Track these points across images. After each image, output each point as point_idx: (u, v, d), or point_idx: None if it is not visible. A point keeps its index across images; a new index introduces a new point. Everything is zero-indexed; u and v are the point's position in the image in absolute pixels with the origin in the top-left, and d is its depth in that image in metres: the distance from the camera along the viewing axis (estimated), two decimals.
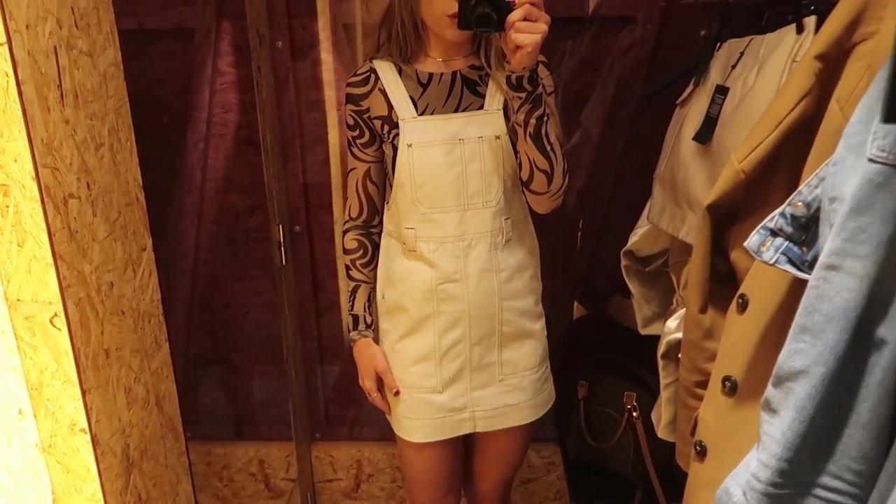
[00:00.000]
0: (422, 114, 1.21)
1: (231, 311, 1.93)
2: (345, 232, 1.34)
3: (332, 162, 1.80)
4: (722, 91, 1.09)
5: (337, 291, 1.90)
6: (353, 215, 1.33)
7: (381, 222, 1.34)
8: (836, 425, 0.63)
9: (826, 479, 0.64)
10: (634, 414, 1.55)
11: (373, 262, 1.34)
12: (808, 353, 0.62)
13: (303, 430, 1.93)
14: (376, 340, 1.34)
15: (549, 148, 1.15)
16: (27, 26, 0.79)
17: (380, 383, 1.33)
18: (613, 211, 1.75)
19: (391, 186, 1.26)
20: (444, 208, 1.21)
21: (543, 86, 1.12)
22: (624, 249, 1.40)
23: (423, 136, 1.20)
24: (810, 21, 0.93)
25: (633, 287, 1.42)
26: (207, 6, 1.70)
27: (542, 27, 1.01)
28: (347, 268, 1.34)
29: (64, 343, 0.76)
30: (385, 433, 1.68)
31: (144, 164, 1.11)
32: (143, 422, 1.01)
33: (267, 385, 1.99)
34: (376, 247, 1.34)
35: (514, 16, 1.01)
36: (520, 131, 1.14)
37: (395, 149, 1.23)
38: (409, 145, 1.21)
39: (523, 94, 1.09)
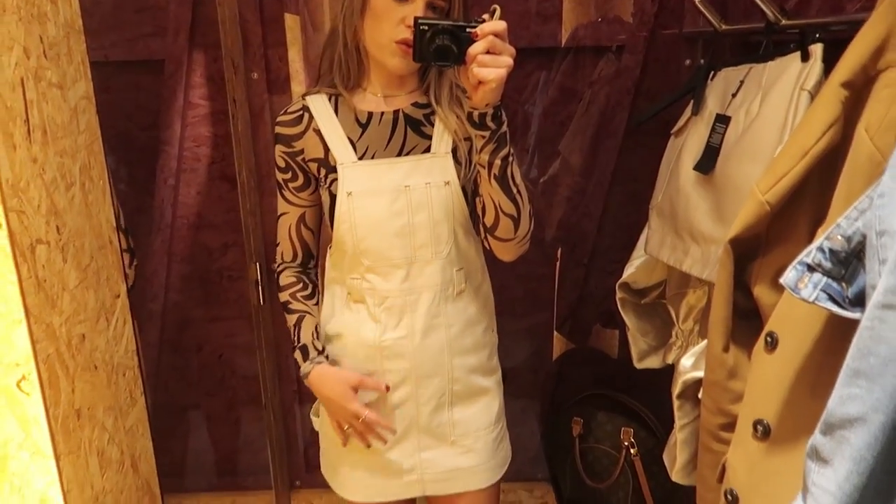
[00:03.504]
0: (362, 157, 1.10)
1: (204, 354, 1.83)
2: (279, 273, 1.21)
3: None
4: (723, 120, 1.07)
5: None
6: (287, 259, 1.20)
7: (316, 265, 1.22)
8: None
9: None
10: (632, 451, 1.50)
11: (314, 297, 1.20)
12: (864, 399, 0.58)
13: (282, 478, 1.83)
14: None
15: (515, 190, 1.03)
16: None
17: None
18: (601, 242, 1.71)
19: (330, 234, 1.15)
20: (389, 261, 1.10)
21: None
22: (619, 282, 1.36)
23: (364, 184, 1.08)
24: (817, 48, 0.92)
25: (629, 320, 1.38)
26: (178, 37, 1.63)
27: (507, 60, 0.90)
28: (287, 303, 1.18)
29: (32, 410, 0.67)
30: None
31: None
32: (118, 487, 0.92)
33: (243, 431, 1.88)
34: (315, 284, 1.22)
35: (477, 48, 0.90)
36: (483, 173, 1.02)
37: (332, 196, 1.10)
38: (349, 193, 1.08)
39: (487, 133, 0.98)
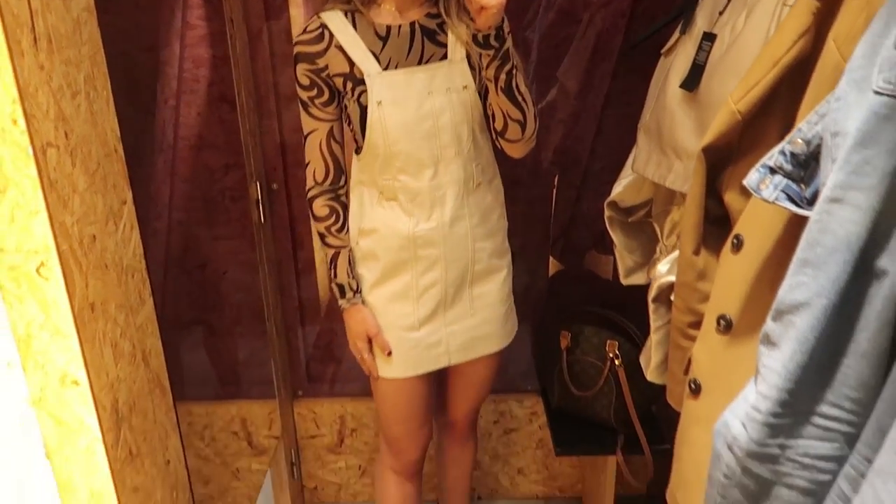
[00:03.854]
0: (386, 68, 1.19)
1: (208, 271, 1.90)
2: (312, 198, 1.31)
3: None
4: (709, 38, 1.09)
5: (315, 249, 1.88)
6: (319, 179, 1.29)
7: (346, 181, 1.32)
8: (836, 355, 0.65)
9: (825, 408, 0.66)
10: (616, 362, 1.58)
11: (346, 225, 1.33)
12: (809, 286, 0.64)
13: (285, 388, 1.93)
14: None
15: (520, 98, 1.18)
16: None
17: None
18: (593, 165, 1.75)
19: (357, 141, 1.24)
20: (418, 161, 1.21)
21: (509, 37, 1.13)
22: (608, 200, 1.40)
23: (391, 92, 1.19)
24: None
25: (616, 238, 1.43)
26: None
27: None
28: (322, 235, 1.33)
29: (52, 293, 0.74)
30: (367, 388, 1.69)
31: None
32: (131, 377, 0.99)
33: (247, 345, 1.97)
34: (346, 208, 1.33)
35: None
36: (491, 87, 1.16)
37: (362, 106, 1.20)
38: (379, 102, 1.19)
39: (491, 52, 1.10)
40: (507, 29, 1.12)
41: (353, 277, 1.33)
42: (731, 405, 0.73)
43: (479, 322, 1.37)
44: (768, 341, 0.68)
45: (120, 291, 0.97)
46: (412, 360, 1.35)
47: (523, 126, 1.21)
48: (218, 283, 1.91)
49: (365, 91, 1.19)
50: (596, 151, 1.73)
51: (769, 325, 0.68)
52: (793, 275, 0.65)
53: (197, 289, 1.92)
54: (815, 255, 0.63)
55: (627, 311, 1.66)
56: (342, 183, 1.31)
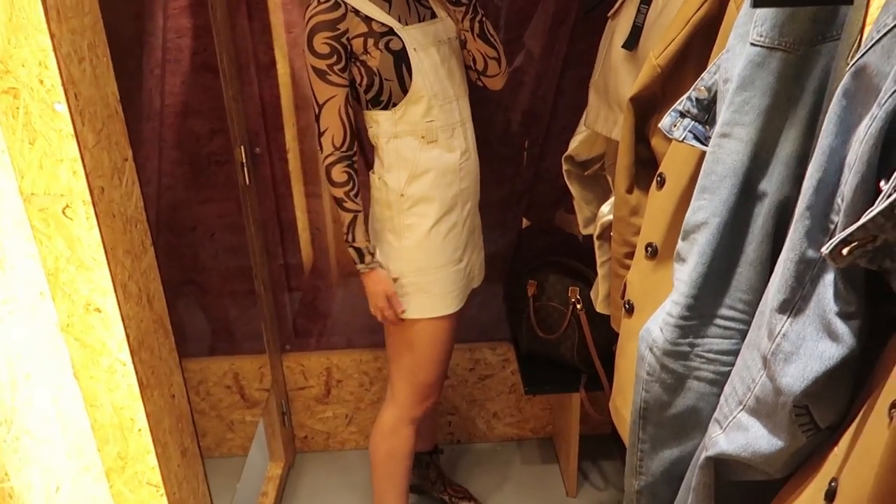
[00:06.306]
0: (399, 24, 1.36)
1: (197, 234, 2.01)
2: (332, 164, 1.38)
3: (283, 84, 1.87)
4: (647, 2, 1.21)
5: (296, 210, 1.99)
6: (338, 144, 1.37)
7: (357, 146, 1.42)
8: (730, 265, 0.79)
9: (723, 310, 0.81)
10: (578, 306, 1.73)
11: (359, 190, 1.43)
12: (706, 207, 0.77)
13: (274, 343, 2.05)
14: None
15: (492, 40, 1.44)
16: None
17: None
18: (555, 124, 1.88)
19: (389, 93, 1.36)
20: (449, 98, 1.41)
21: None
22: (564, 155, 1.53)
23: (419, 41, 1.37)
24: None
25: (574, 190, 1.56)
26: None
27: None
28: (340, 200, 1.41)
29: (76, 231, 0.85)
30: (352, 341, 1.82)
31: None
32: (139, 316, 1.11)
33: (237, 303, 2.09)
34: (357, 173, 1.43)
35: None
36: (468, 36, 1.43)
37: (393, 52, 1.34)
38: (415, 49, 1.35)
39: (462, 8, 1.38)
40: None
41: (369, 240, 1.46)
42: (653, 315, 0.88)
43: (481, 244, 1.60)
44: (679, 258, 0.83)
45: (126, 238, 1.09)
46: (459, 291, 1.51)
47: (499, 61, 1.46)
48: (207, 244, 2.02)
49: (392, 39, 1.34)
50: (557, 111, 1.86)
51: (680, 245, 0.82)
52: (695, 199, 0.79)
53: (188, 250, 2.03)
54: (710, 181, 0.77)
55: (587, 259, 1.80)
56: (355, 148, 1.41)
